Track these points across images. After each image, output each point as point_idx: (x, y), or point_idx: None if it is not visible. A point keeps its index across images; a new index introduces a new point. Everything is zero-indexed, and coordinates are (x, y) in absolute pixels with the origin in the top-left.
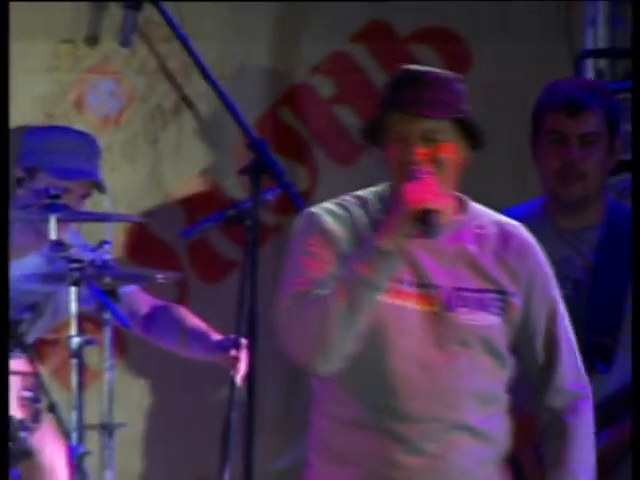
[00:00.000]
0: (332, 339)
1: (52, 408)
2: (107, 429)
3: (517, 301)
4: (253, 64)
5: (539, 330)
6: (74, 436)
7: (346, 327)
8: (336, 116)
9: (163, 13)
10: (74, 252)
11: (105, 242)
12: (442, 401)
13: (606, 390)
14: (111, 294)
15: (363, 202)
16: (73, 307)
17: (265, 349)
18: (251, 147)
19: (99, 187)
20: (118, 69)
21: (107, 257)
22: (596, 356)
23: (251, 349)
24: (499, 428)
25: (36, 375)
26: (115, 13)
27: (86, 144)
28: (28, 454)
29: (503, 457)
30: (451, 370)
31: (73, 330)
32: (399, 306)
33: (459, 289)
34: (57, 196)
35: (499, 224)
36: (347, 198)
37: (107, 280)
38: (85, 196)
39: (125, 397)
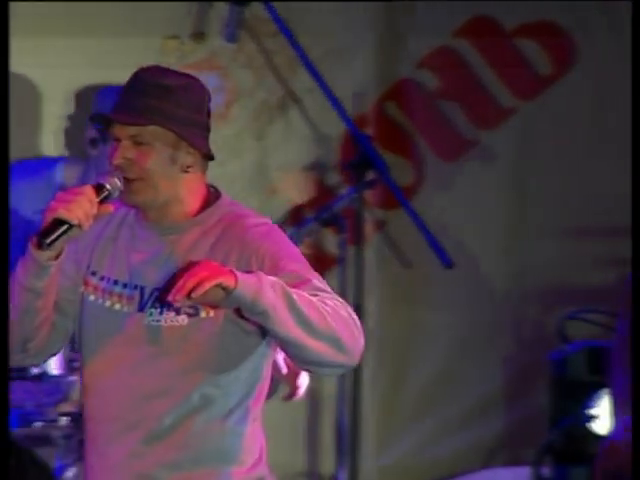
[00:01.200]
0: (13, 334)
1: None
2: None
3: None
4: (358, 59)
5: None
6: None
7: (18, 325)
8: (441, 111)
9: (269, 9)
10: None
11: None
12: (124, 402)
13: None
14: None
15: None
16: None
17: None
18: (355, 142)
19: None
20: (224, 64)
21: None
22: None
23: None
24: (201, 433)
25: None
26: (222, 9)
27: None
28: None
29: (220, 463)
30: (136, 370)
31: None
32: (103, 307)
33: (159, 289)
34: None
35: (231, 218)
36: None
37: None
38: None
39: None
